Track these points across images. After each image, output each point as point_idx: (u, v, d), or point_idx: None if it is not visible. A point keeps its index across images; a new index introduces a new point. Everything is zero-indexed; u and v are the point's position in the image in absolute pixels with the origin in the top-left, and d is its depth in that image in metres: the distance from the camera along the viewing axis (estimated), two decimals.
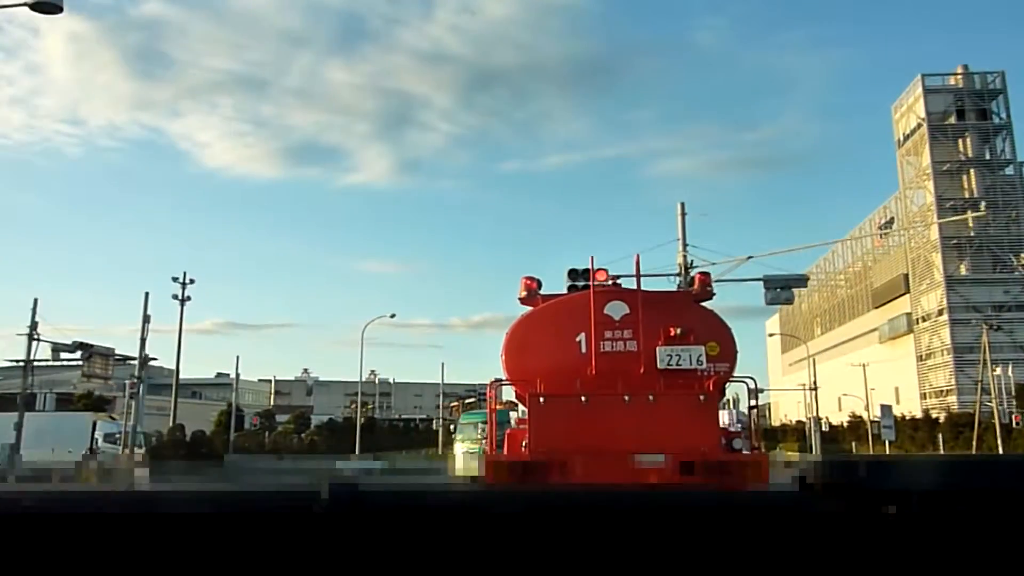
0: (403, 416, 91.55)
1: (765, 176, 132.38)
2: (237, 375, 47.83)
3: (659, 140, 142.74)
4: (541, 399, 9.47)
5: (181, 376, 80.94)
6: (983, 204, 55.71)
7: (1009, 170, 61.02)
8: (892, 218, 69.42)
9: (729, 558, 1.21)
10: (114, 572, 1.25)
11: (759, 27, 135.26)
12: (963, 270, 60.57)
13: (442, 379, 65.83)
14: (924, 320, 63.72)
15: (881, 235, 70.88)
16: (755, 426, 10.50)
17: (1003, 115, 61.17)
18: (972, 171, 60.61)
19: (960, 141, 61.32)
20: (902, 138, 66.61)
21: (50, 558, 1.25)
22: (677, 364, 9.57)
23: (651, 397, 9.19)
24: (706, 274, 11.40)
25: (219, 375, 76.69)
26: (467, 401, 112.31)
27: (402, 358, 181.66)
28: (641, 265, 10.67)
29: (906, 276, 65.81)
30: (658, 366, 9.52)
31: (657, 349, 9.55)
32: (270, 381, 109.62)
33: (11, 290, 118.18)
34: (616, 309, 10.01)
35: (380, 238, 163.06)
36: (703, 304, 10.69)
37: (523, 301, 10.72)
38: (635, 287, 10.18)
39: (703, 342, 9.68)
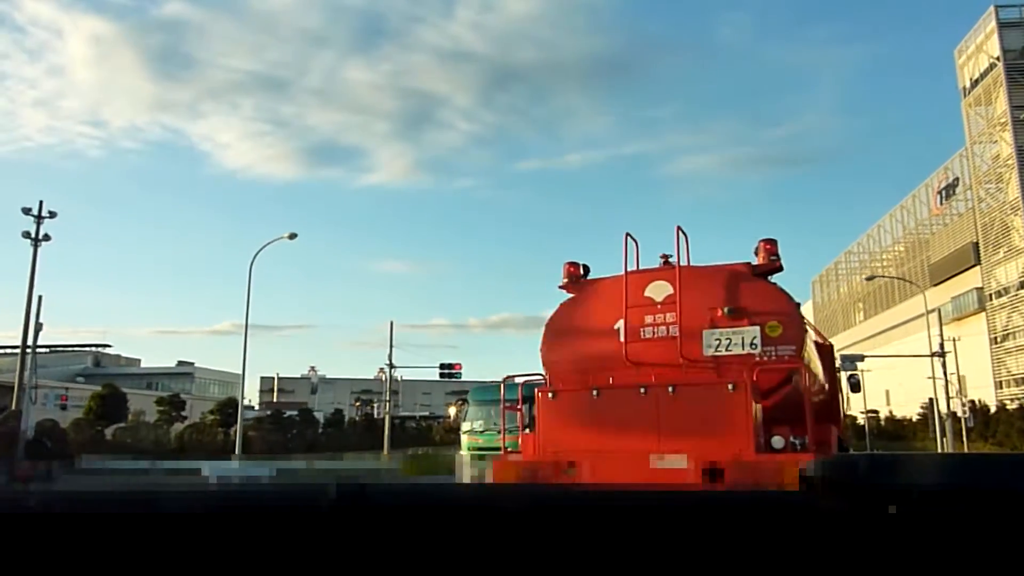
0: (403, 414, 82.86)
1: (788, 173, 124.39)
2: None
3: (680, 137, 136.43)
4: (551, 394, 8.75)
5: (142, 365, 71.90)
6: None
7: None
8: (956, 179, 57.57)
9: (729, 560, 1.19)
10: (119, 572, 1.24)
11: (781, 22, 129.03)
12: None
13: (389, 361, 53.72)
14: (1000, 295, 52.49)
15: (942, 201, 59.05)
16: (809, 415, 8.01)
17: None
18: None
19: None
20: (968, 85, 55.67)
21: (53, 559, 1.25)
22: (727, 349, 8.37)
23: (671, 389, 8.08)
24: (771, 241, 8.99)
25: (180, 363, 66.61)
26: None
27: (419, 358, 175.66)
28: None
29: (975, 245, 54.47)
30: (704, 352, 8.44)
31: (703, 333, 8.47)
32: (273, 378, 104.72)
33: (24, 289, 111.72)
34: (658, 290, 8.88)
35: (398, 238, 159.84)
36: (767, 278, 8.96)
37: (564, 288, 9.73)
38: (684, 262, 9.10)
39: (761, 322, 8.37)
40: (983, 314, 54.84)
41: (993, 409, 46.28)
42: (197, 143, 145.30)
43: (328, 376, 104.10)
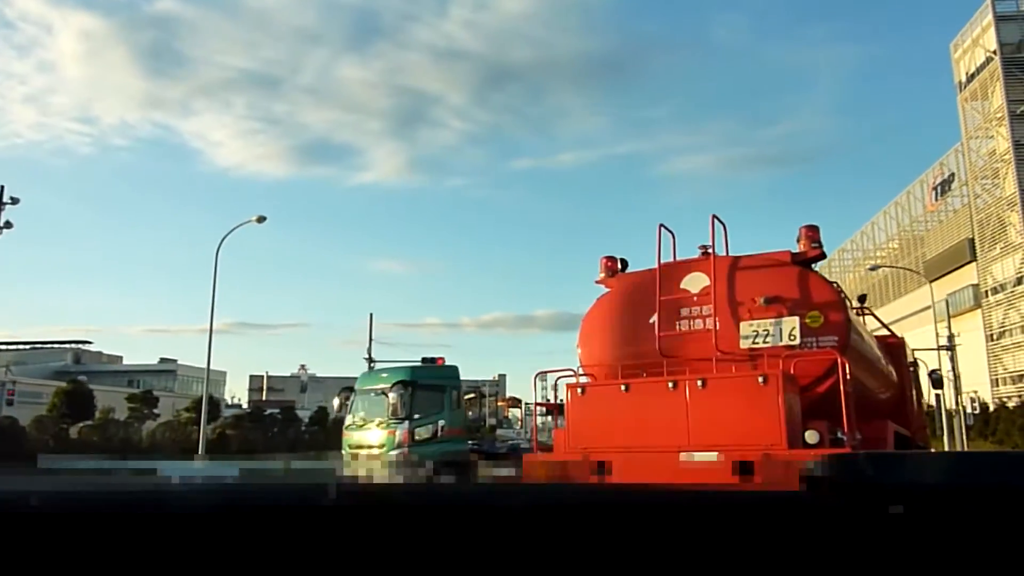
0: None
1: (784, 172, 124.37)
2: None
3: (674, 137, 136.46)
4: (580, 390, 8.68)
5: (124, 362, 70.26)
6: None
7: None
8: (951, 175, 56.70)
9: (729, 559, 1.19)
10: (122, 568, 1.26)
11: (776, 23, 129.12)
12: None
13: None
14: (996, 292, 51.47)
15: (937, 197, 58.18)
16: (847, 409, 7.58)
17: None
18: None
19: None
20: (964, 79, 54.93)
21: (58, 556, 1.25)
22: (764, 341, 8.14)
23: (700, 383, 7.87)
24: (813, 228, 8.67)
25: (163, 360, 64.99)
26: (467, 397, 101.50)
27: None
28: None
29: (971, 241, 53.48)
30: (740, 345, 8.22)
31: (740, 324, 8.28)
32: (262, 376, 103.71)
33: (20, 289, 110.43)
34: (695, 282, 8.69)
35: (391, 237, 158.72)
36: (809, 267, 8.67)
37: (600, 283, 9.65)
38: (723, 253, 8.86)
39: (801, 312, 8.13)
40: (979, 311, 54.08)
41: (992, 407, 45.40)
42: (188, 141, 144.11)
43: (319, 375, 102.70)
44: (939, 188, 60.40)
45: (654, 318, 8.59)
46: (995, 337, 52.88)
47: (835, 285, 8.98)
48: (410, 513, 1.28)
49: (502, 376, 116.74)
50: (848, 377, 7.71)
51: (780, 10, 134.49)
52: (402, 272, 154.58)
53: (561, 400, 9.88)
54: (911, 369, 12.65)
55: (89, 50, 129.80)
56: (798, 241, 8.56)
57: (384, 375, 16.95)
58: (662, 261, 8.90)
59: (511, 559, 1.21)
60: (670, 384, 7.93)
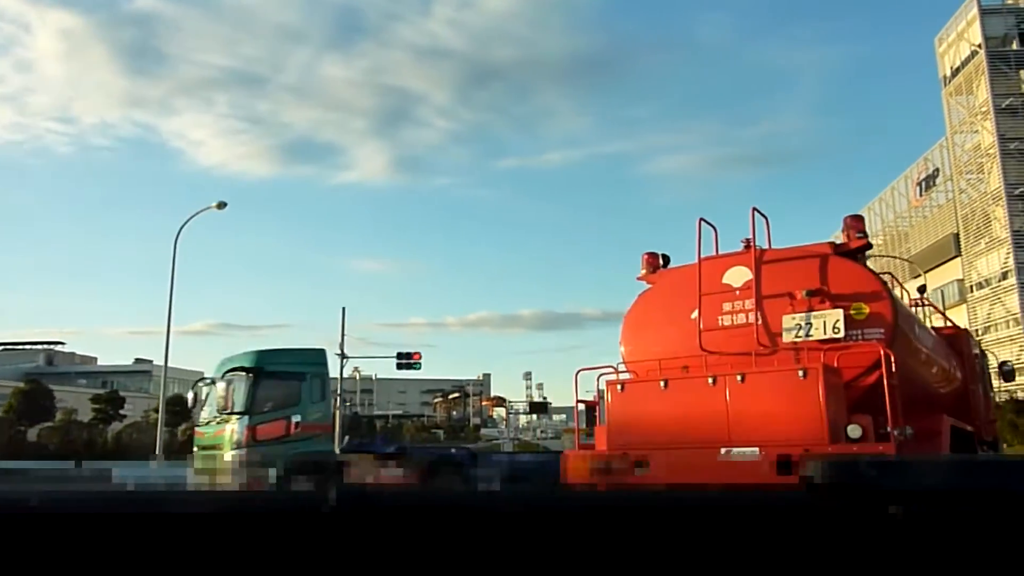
0: (376, 413, 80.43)
1: (770, 172, 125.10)
2: None
3: (659, 136, 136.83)
4: (619, 386, 8.75)
5: (99, 363, 68.77)
6: None
7: None
8: (936, 170, 56.48)
9: (729, 560, 1.20)
10: (119, 573, 1.27)
11: (760, 22, 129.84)
12: None
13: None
14: (981, 287, 51.23)
15: (921, 192, 57.86)
16: (891, 403, 7.31)
17: None
18: None
19: None
20: (949, 74, 54.73)
21: (52, 559, 1.27)
22: (807, 335, 7.99)
23: (739, 378, 7.84)
24: (858, 218, 8.76)
25: (138, 360, 63.56)
26: (451, 396, 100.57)
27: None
28: None
29: (956, 236, 53.18)
30: (783, 339, 8.12)
31: (783, 318, 8.17)
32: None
33: None
34: (737, 276, 8.65)
35: (375, 236, 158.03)
36: (854, 258, 8.56)
37: (642, 279, 9.68)
38: (766, 246, 8.80)
39: (845, 304, 7.98)
40: (964, 306, 53.89)
41: None
42: (169, 140, 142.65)
43: None
44: (924, 183, 60.23)
45: (695, 313, 8.56)
46: (981, 332, 52.67)
47: (883, 276, 8.82)
48: (407, 517, 1.25)
49: (487, 376, 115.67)
50: (895, 370, 7.51)
51: (765, 9, 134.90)
52: (387, 272, 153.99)
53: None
54: (977, 361, 12.18)
55: (68, 49, 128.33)
56: (843, 232, 8.49)
57: (229, 362, 14.05)
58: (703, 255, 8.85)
59: (515, 565, 1.19)
60: (710, 380, 7.94)
